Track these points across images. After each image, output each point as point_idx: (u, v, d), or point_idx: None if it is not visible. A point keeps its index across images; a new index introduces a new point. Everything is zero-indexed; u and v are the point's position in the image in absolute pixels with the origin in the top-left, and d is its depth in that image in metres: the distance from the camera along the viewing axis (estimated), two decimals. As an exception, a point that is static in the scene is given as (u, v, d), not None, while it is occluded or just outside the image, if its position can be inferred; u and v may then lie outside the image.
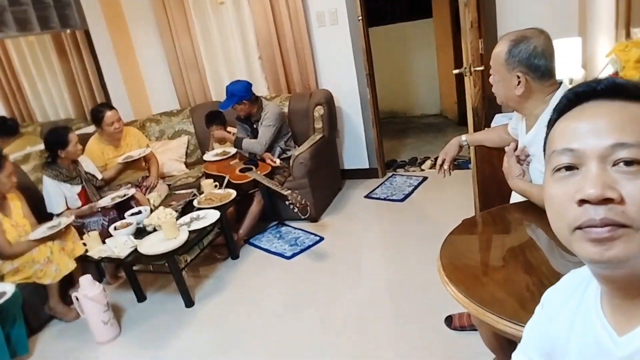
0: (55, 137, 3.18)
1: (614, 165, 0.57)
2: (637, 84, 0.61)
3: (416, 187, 3.89)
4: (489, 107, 2.88)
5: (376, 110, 4.10)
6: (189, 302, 2.85)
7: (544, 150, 0.68)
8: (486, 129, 2.32)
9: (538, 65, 1.55)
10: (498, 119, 2.59)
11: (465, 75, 2.78)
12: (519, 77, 1.56)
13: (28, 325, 2.73)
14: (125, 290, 3.12)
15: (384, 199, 3.78)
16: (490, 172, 2.09)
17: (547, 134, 0.68)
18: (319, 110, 3.73)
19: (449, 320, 2.23)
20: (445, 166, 2.05)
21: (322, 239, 3.32)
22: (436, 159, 2.11)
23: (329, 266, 3.01)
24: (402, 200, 3.71)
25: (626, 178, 0.56)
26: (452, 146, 2.06)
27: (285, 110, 3.87)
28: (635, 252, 0.56)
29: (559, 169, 0.62)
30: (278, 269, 3.09)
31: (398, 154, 4.72)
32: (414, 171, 4.25)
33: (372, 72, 3.99)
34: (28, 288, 2.76)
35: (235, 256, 3.29)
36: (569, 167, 0.61)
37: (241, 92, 3.42)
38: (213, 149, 3.82)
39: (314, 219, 3.58)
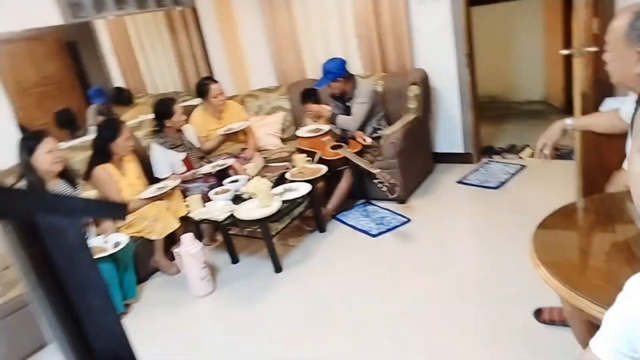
0: (162, 108, 3.46)
1: None
2: None
3: (513, 175, 3.71)
4: (600, 93, 2.65)
5: (474, 93, 3.95)
6: (278, 268, 3.00)
7: (631, 126, 0.66)
8: (595, 113, 2.15)
9: None
10: (609, 103, 2.37)
11: (575, 57, 2.58)
12: (639, 53, 1.43)
13: (137, 274, 3.04)
14: (220, 252, 3.35)
15: (477, 185, 3.65)
16: (596, 161, 1.95)
17: (635, 111, 0.65)
18: (414, 90, 3.67)
19: (538, 313, 2.13)
20: (546, 151, 1.93)
21: (409, 220, 3.31)
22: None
23: (415, 248, 3.00)
24: (497, 187, 3.56)
25: None
26: (555, 130, 1.93)
27: (380, 89, 3.85)
28: None
29: None
30: (363, 246, 3.13)
31: (495, 140, 4.51)
32: (511, 159, 4.05)
33: (472, 53, 3.83)
34: (138, 241, 3.07)
35: (322, 229, 3.38)
36: None
37: (337, 69, 3.47)
38: (306, 125, 3.92)
39: (402, 200, 3.56)
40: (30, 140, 2.75)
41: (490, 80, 5.58)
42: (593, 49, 2.59)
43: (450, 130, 4.06)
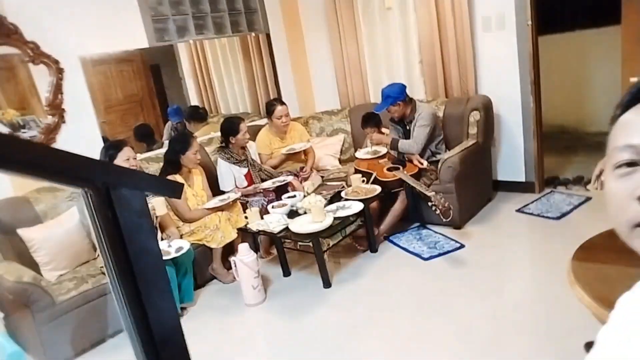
0: (229, 125, 3.69)
1: None
2: None
3: (576, 206, 3.55)
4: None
5: (539, 121, 3.85)
6: (327, 284, 3.07)
7: (607, 146, 0.66)
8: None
9: None
10: None
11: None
12: None
13: (195, 280, 3.23)
14: (274, 265, 3.48)
15: (537, 215, 3.53)
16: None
17: (609, 132, 0.65)
18: (475, 116, 3.65)
19: (589, 346, 2.03)
20: (603, 178, 1.87)
21: (462, 246, 3.26)
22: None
23: (466, 273, 2.95)
24: (558, 218, 3.42)
25: None
26: None
27: (440, 114, 3.87)
28: None
29: (619, 166, 0.60)
30: (413, 268, 3.13)
31: (562, 171, 4.34)
32: (576, 190, 3.88)
33: (538, 81, 3.76)
34: (199, 249, 3.27)
35: (374, 250, 3.42)
36: (630, 164, 0.59)
37: (396, 93, 3.54)
38: (365, 147, 4.00)
39: (458, 225, 3.52)
40: (111, 148, 3.05)
41: (561, 110, 5.39)
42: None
43: (512, 158, 3.97)
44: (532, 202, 3.76)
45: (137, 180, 0.72)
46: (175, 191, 0.78)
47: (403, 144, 3.61)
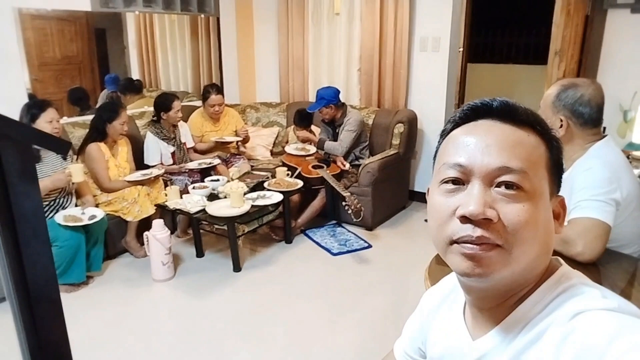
0: (162, 101, 3.70)
1: (496, 186, 0.61)
2: (527, 109, 0.66)
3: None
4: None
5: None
6: (237, 267, 3.17)
7: (434, 159, 0.72)
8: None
9: (582, 113, 1.61)
10: None
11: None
12: (561, 121, 1.64)
13: (106, 250, 3.22)
14: (188, 246, 3.53)
15: (443, 227, 3.81)
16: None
17: (439, 144, 0.71)
18: (399, 128, 3.89)
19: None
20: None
21: (370, 246, 3.48)
22: None
23: (369, 272, 3.16)
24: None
25: (505, 200, 0.60)
26: None
27: (370, 122, 4.08)
28: (500, 270, 0.61)
29: (445, 182, 0.64)
30: (322, 261, 3.30)
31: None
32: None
33: (461, 103, 4.06)
34: (114, 220, 3.26)
35: (289, 241, 3.56)
36: (455, 182, 0.63)
37: (330, 96, 3.71)
38: (291, 141, 4.15)
39: (370, 227, 3.74)
40: (34, 108, 2.98)
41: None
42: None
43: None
44: (441, 214, 4.04)
45: (21, 130, 0.79)
46: (60, 147, 0.85)
47: (329, 145, 3.78)
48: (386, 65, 4.19)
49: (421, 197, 4.32)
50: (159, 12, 4.28)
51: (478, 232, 0.59)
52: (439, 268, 1.45)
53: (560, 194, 0.69)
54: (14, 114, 2.97)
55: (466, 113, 0.68)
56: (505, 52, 5.87)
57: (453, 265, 0.64)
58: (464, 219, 0.60)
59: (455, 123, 0.69)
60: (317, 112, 3.82)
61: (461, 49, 3.90)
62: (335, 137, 3.85)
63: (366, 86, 4.34)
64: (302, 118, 4.07)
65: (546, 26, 5.18)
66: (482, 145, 0.63)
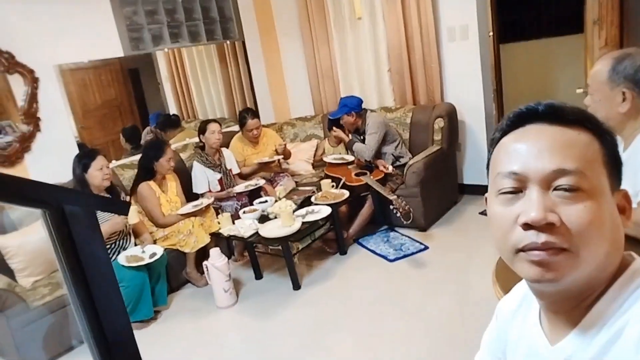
0: (201, 126, 3.84)
1: (554, 190, 0.61)
2: (574, 108, 0.65)
3: (536, 208, 3.73)
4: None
5: (501, 127, 4.03)
6: (296, 285, 3.19)
7: (487, 168, 0.71)
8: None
9: None
10: None
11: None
12: (624, 94, 1.52)
13: (169, 284, 3.32)
14: (247, 268, 3.59)
15: (499, 217, 3.70)
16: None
17: (490, 154, 0.71)
18: (439, 123, 3.81)
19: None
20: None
21: (426, 247, 3.41)
22: None
23: (429, 275, 3.10)
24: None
25: (565, 203, 0.60)
26: None
27: (408, 120, 4.03)
28: (570, 273, 0.60)
29: (503, 192, 0.64)
30: (380, 269, 3.27)
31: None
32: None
33: (500, 89, 3.95)
34: (172, 254, 3.36)
35: (343, 252, 3.55)
36: (513, 191, 0.63)
37: (353, 104, 3.73)
38: (326, 147, 4.16)
39: (423, 228, 3.67)
40: (84, 158, 3.12)
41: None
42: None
43: (477, 163, 4.14)
44: (495, 204, 3.93)
45: (87, 200, 0.84)
46: (121, 209, 0.89)
47: (357, 147, 3.77)
48: (416, 62, 4.13)
49: (472, 190, 4.21)
50: (186, 45, 4.41)
51: (542, 237, 0.59)
52: (505, 271, 1.40)
53: (624, 173, 0.67)
54: (68, 163, 3.12)
55: (513, 120, 0.68)
56: (536, 26, 5.65)
57: (522, 273, 0.64)
58: (527, 226, 0.60)
59: (503, 131, 0.69)
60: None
61: (491, 34, 3.78)
62: (362, 142, 3.83)
63: (399, 85, 4.29)
64: (332, 123, 4.08)
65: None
66: (534, 150, 0.63)
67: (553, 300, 0.68)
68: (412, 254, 3.36)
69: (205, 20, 4.49)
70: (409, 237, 3.61)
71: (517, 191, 0.63)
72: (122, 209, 0.86)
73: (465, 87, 4.00)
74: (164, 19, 4.16)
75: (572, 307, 0.66)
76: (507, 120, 0.69)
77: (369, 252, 3.53)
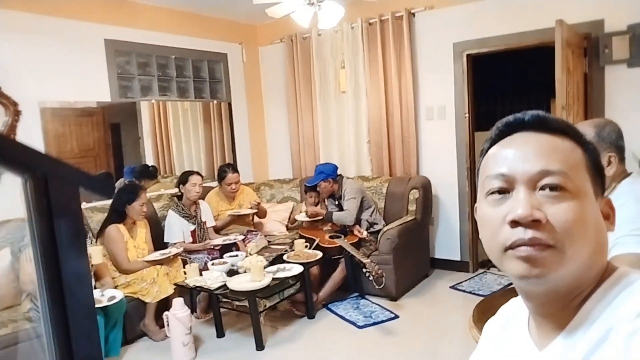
0: (182, 175, 3.83)
1: (540, 189, 0.63)
2: (558, 118, 0.69)
3: (506, 286, 3.75)
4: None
5: (473, 205, 4.15)
6: (260, 346, 3.03)
7: (477, 176, 0.75)
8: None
9: (622, 147, 1.58)
10: None
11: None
12: (610, 158, 1.57)
13: (124, 334, 3.11)
14: (209, 325, 3.41)
15: (470, 292, 3.70)
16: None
17: (479, 164, 0.74)
18: (415, 194, 3.91)
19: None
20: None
21: (397, 316, 3.35)
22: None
23: (398, 344, 3.01)
24: (489, 296, 3.60)
25: (550, 202, 0.62)
26: None
27: (384, 190, 4.12)
28: (556, 270, 0.62)
29: (491, 193, 0.67)
30: (348, 336, 3.16)
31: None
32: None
33: (473, 166, 4.11)
34: (132, 302, 3.19)
35: (311, 316, 3.44)
36: (501, 191, 0.66)
37: (329, 171, 3.82)
38: (301, 211, 4.17)
39: (394, 297, 3.62)
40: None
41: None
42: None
43: (449, 238, 4.21)
44: (466, 280, 3.96)
45: (73, 173, 0.79)
46: (105, 190, 0.86)
47: (337, 216, 3.79)
48: (395, 136, 4.31)
49: (443, 265, 4.23)
50: (174, 99, 4.50)
51: (529, 233, 0.61)
52: (482, 315, 1.40)
53: None
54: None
55: (501, 130, 0.71)
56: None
57: (510, 270, 0.65)
58: (514, 224, 0.62)
59: (493, 140, 0.72)
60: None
61: (467, 115, 4.02)
62: (340, 209, 3.86)
63: (377, 157, 4.44)
64: (309, 189, 4.13)
65: (545, 93, 5.43)
66: (520, 154, 0.66)
67: (541, 302, 0.68)
68: (382, 321, 3.28)
69: (195, 79, 4.64)
70: (379, 305, 3.55)
71: (505, 191, 0.66)
72: (107, 189, 0.83)
73: (441, 164, 4.16)
74: (155, 72, 4.28)
75: (561, 308, 0.66)
76: (496, 130, 0.72)
77: (338, 317, 3.42)
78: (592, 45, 3.31)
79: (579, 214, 0.62)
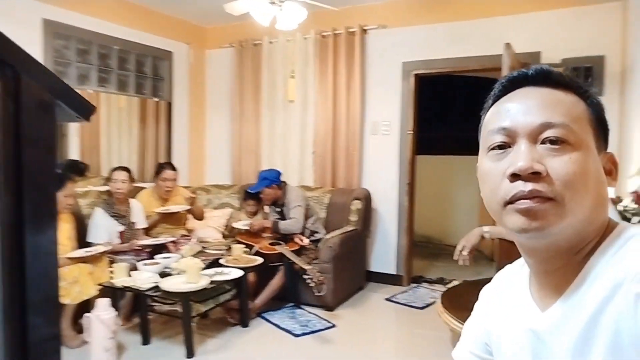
0: (110, 172, 3.57)
1: (541, 143, 0.63)
2: (561, 72, 0.69)
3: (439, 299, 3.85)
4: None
5: (411, 218, 4.26)
6: (190, 353, 2.84)
7: (479, 133, 0.74)
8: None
9: None
10: None
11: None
12: None
13: (35, 338, 2.79)
14: (133, 333, 3.15)
15: (404, 304, 3.76)
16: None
17: (482, 120, 0.74)
18: (357, 204, 3.94)
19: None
20: (465, 252, 2.11)
21: (333, 326, 3.30)
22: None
23: (335, 352, 2.95)
24: (422, 308, 3.67)
25: (551, 155, 0.62)
26: (474, 235, 2.13)
27: (326, 200, 4.11)
28: (557, 222, 0.61)
29: (493, 148, 0.67)
30: (283, 344, 3.06)
31: (426, 272, 4.72)
32: (439, 287, 4.23)
33: (413, 182, 4.23)
34: (48, 303, 2.88)
35: (245, 324, 3.30)
36: (502, 146, 0.66)
37: (273, 177, 3.75)
38: (241, 219, 4.05)
39: (331, 307, 3.57)
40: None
41: (428, 222, 6.01)
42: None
43: (385, 251, 4.26)
44: (400, 293, 4.02)
45: (52, 79, 0.65)
46: (85, 113, 0.71)
47: (284, 225, 3.71)
48: (340, 148, 4.34)
49: (378, 278, 4.26)
50: (112, 92, 4.25)
51: (529, 186, 0.61)
52: (450, 304, 1.40)
53: None
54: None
55: (505, 85, 0.71)
56: (448, 144, 6.38)
57: (510, 224, 0.64)
58: (514, 177, 0.62)
59: (496, 97, 0.71)
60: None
61: (411, 132, 4.14)
62: (282, 218, 3.80)
63: (320, 168, 4.43)
64: (251, 194, 4.05)
65: (478, 123, 5.71)
66: (522, 107, 0.66)
67: (543, 258, 0.67)
68: (319, 330, 3.21)
69: (137, 74, 4.42)
70: (316, 315, 3.48)
71: (506, 146, 0.65)
72: (87, 113, 0.69)
73: (383, 178, 4.24)
74: (95, 61, 4.02)
75: (563, 264, 0.65)
76: (500, 86, 0.71)
77: (273, 326, 3.31)
78: (529, 75, 3.55)
79: (579, 167, 0.62)
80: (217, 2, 3.81)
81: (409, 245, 4.23)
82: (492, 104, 0.71)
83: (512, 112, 0.66)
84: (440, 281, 4.38)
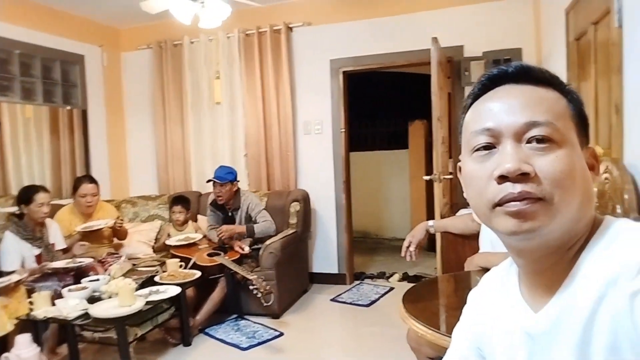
0: (23, 193, 3.18)
1: (527, 142, 0.62)
2: (541, 69, 0.68)
3: (382, 295, 3.89)
4: (454, 211, 3.05)
5: (349, 216, 4.25)
6: (129, 382, 2.61)
7: (460, 133, 0.72)
8: (452, 216, 2.43)
9: None
10: (462, 212, 2.71)
11: (435, 182, 2.99)
12: None
13: (-59, 388, 2.43)
14: (60, 366, 2.86)
15: (350, 303, 3.74)
16: (454, 259, 2.17)
17: (462, 119, 0.71)
18: (295, 206, 3.86)
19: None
20: (412, 248, 2.11)
21: (281, 334, 3.19)
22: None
23: (286, 361, 2.86)
24: (368, 305, 3.68)
25: (538, 155, 0.61)
26: (419, 230, 2.14)
27: (263, 204, 3.97)
28: (548, 222, 0.60)
29: (477, 149, 0.65)
30: None
31: (367, 268, 4.75)
32: (381, 282, 4.28)
33: (349, 180, 4.22)
34: (-46, 345, 2.53)
35: (187, 343, 3.10)
36: (487, 147, 0.64)
37: (234, 175, 3.58)
38: (171, 232, 3.83)
39: (276, 315, 3.46)
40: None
41: (364, 218, 6.08)
42: (449, 176, 3.03)
43: (326, 251, 4.22)
44: (345, 292, 4.00)
45: None
46: None
47: (259, 227, 3.54)
48: (273, 149, 4.23)
49: (321, 279, 4.21)
50: (16, 102, 3.83)
51: (518, 187, 0.60)
52: (413, 307, 1.37)
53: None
54: None
55: (484, 83, 0.69)
56: (376, 140, 6.49)
57: (499, 227, 0.63)
58: (502, 179, 0.61)
59: (475, 95, 0.70)
60: (204, 196, 3.62)
61: (343, 130, 4.12)
62: (226, 221, 3.63)
63: (254, 170, 4.30)
64: (179, 200, 3.90)
65: (403, 118, 5.91)
66: (505, 107, 0.64)
67: (533, 258, 0.65)
68: (267, 340, 3.09)
69: (45, 80, 4.02)
70: (261, 324, 3.35)
71: (491, 147, 0.64)
72: None
73: (319, 177, 4.19)
74: (-7, 68, 3.60)
75: (554, 262, 0.64)
76: (479, 84, 0.69)
77: (218, 341, 3.14)
78: (454, 68, 3.68)
79: (567, 165, 0.61)
80: (130, 2, 3.55)
81: (349, 243, 4.22)
82: (472, 103, 0.69)
83: (495, 111, 0.64)
84: (382, 275, 4.42)
